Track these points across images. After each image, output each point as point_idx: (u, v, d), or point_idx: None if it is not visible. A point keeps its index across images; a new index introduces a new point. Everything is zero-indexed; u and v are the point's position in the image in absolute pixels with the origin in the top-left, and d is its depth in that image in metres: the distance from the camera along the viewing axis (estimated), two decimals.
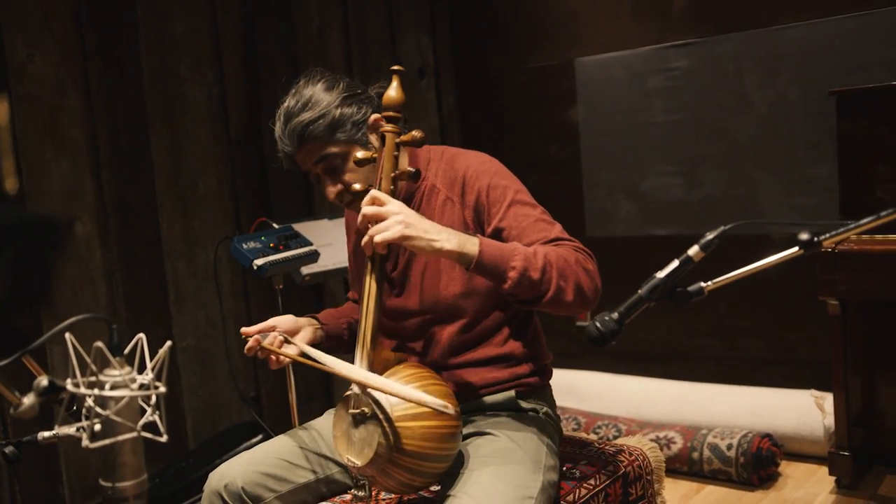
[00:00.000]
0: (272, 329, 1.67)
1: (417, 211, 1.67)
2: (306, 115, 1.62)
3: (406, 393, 1.40)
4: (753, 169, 3.23)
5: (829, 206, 3.01)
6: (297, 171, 1.76)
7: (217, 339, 3.06)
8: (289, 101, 1.66)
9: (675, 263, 1.24)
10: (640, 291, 1.24)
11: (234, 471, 1.61)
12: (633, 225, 3.57)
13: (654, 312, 1.36)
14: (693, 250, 1.23)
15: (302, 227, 2.81)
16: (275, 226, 2.66)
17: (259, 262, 2.41)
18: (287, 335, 1.66)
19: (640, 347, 3.53)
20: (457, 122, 4.09)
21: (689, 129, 3.37)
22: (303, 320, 1.76)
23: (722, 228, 1.22)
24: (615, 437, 2.98)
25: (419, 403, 1.39)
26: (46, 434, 1.49)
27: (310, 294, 3.41)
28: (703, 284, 1.24)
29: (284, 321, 1.71)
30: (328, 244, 3.00)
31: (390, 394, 1.40)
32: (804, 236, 1.20)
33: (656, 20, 3.42)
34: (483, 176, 1.63)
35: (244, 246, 2.44)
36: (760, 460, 2.76)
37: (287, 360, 1.62)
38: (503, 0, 3.88)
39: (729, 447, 2.80)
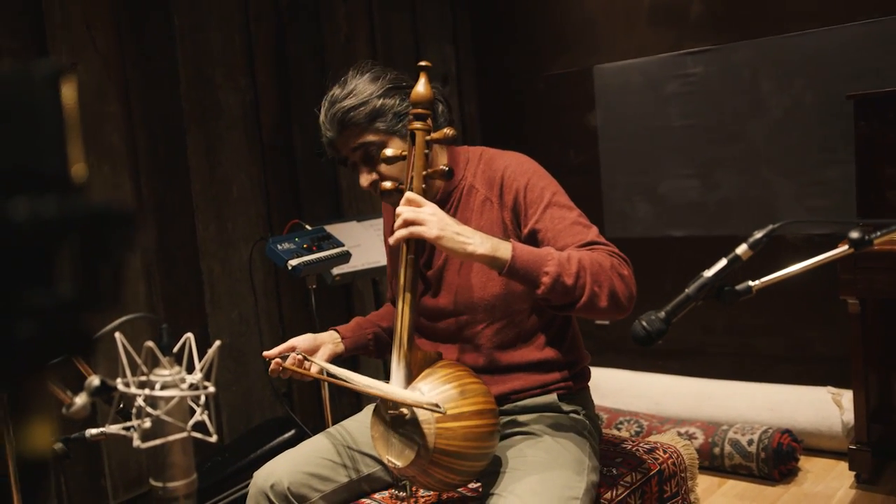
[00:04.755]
0: (292, 349, 1.61)
1: (455, 210, 1.60)
2: (348, 102, 1.55)
3: (419, 401, 1.36)
4: (768, 172, 3.14)
5: (843, 207, 2.92)
6: (335, 162, 1.69)
7: (251, 337, 3.00)
8: (335, 90, 1.60)
9: (723, 262, 1.17)
10: (687, 290, 1.17)
11: (279, 471, 1.54)
12: (650, 226, 3.49)
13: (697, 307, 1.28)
14: (741, 249, 1.16)
15: (332, 229, 2.75)
16: (307, 227, 2.59)
17: (293, 262, 2.35)
18: (306, 354, 1.61)
19: (658, 345, 3.44)
20: (478, 128, 4.02)
21: (705, 133, 3.29)
22: (323, 336, 1.70)
23: (770, 227, 1.15)
24: (637, 433, 2.91)
25: (416, 406, 1.35)
26: (94, 431, 1.44)
27: (339, 293, 3.35)
28: (751, 283, 1.16)
29: (303, 341, 1.65)
30: (357, 245, 2.94)
31: (406, 404, 1.37)
32: (855, 235, 1.12)
33: (673, 28, 3.34)
34: (521, 176, 1.55)
35: (279, 247, 2.38)
36: (781, 455, 2.68)
37: (310, 377, 1.58)
38: (523, 10, 3.81)
39: (750, 442, 2.72)
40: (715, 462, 2.77)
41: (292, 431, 2.74)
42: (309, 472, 1.54)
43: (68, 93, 0.43)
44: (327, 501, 1.55)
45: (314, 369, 1.59)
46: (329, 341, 1.70)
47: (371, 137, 1.56)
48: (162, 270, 2.77)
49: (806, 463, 2.79)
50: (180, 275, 2.83)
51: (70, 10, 2.53)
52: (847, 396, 2.71)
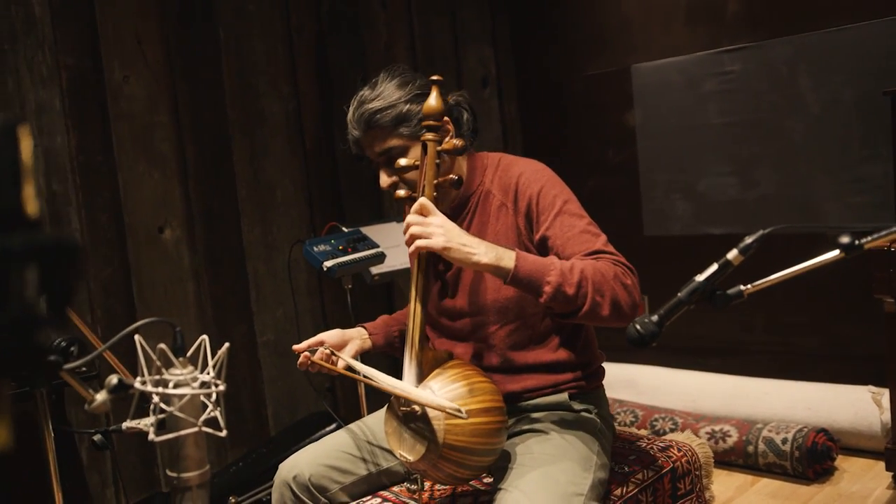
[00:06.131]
0: (321, 344, 1.67)
1: (473, 215, 1.65)
2: (375, 105, 1.60)
3: (442, 404, 1.38)
4: (808, 168, 3.08)
5: (883, 204, 2.85)
6: (362, 162, 1.75)
7: (294, 334, 3.10)
8: (365, 90, 1.66)
9: (714, 267, 1.18)
10: (679, 294, 1.19)
11: (301, 463, 1.62)
12: (689, 224, 3.46)
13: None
14: (732, 254, 1.17)
15: (370, 230, 2.81)
16: (344, 229, 2.67)
17: (328, 263, 2.42)
18: (334, 349, 1.66)
19: (697, 342, 3.42)
20: (518, 128, 4.04)
21: (743, 130, 3.24)
22: (352, 332, 1.75)
23: (761, 232, 1.16)
24: (672, 430, 2.90)
25: (439, 409, 1.38)
26: (129, 424, 1.54)
27: (380, 291, 3.43)
28: (742, 287, 1.17)
29: (331, 336, 1.70)
30: (396, 245, 3.00)
31: (430, 406, 1.38)
32: (845, 239, 1.13)
33: (710, 26, 3.31)
34: (535, 183, 1.58)
35: (315, 249, 2.45)
36: (816, 455, 2.63)
37: (336, 372, 1.63)
38: (561, 11, 3.81)
39: (784, 441, 2.68)
40: (749, 460, 2.74)
41: (334, 425, 2.83)
42: (329, 464, 1.61)
43: (25, 140, 0.49)
44: (347, 493, 1.61)
45: (340, 364, 1.64)
46: (357, 337, 1.75)
47: (395, 142, 1.61)
48: (209, 272, 2.89)
49: (843, 463, 2.74)
50: (227, 276, 2.94)
51: (122, 27, 2.66)
52: (887, 396, 2.65)
